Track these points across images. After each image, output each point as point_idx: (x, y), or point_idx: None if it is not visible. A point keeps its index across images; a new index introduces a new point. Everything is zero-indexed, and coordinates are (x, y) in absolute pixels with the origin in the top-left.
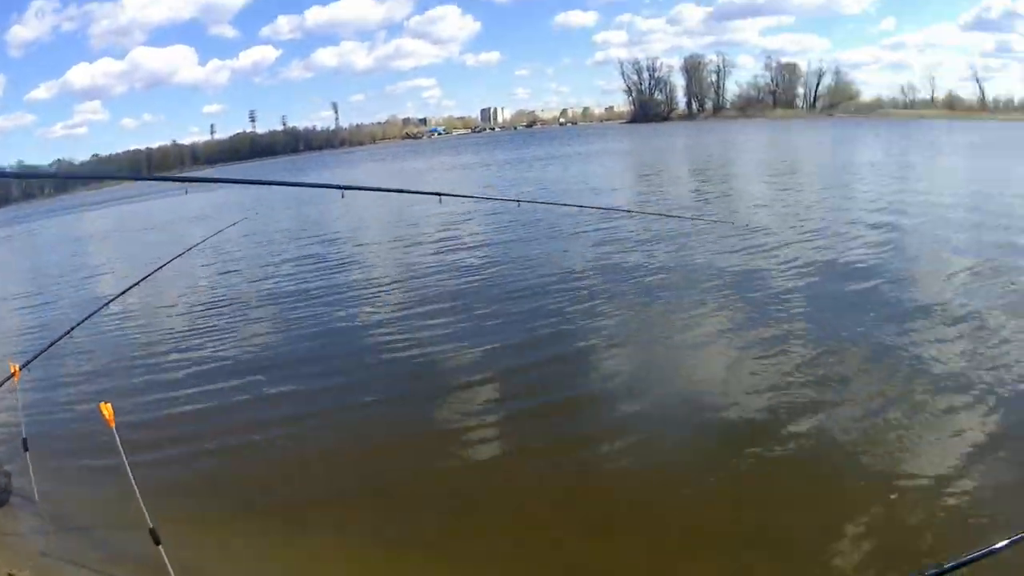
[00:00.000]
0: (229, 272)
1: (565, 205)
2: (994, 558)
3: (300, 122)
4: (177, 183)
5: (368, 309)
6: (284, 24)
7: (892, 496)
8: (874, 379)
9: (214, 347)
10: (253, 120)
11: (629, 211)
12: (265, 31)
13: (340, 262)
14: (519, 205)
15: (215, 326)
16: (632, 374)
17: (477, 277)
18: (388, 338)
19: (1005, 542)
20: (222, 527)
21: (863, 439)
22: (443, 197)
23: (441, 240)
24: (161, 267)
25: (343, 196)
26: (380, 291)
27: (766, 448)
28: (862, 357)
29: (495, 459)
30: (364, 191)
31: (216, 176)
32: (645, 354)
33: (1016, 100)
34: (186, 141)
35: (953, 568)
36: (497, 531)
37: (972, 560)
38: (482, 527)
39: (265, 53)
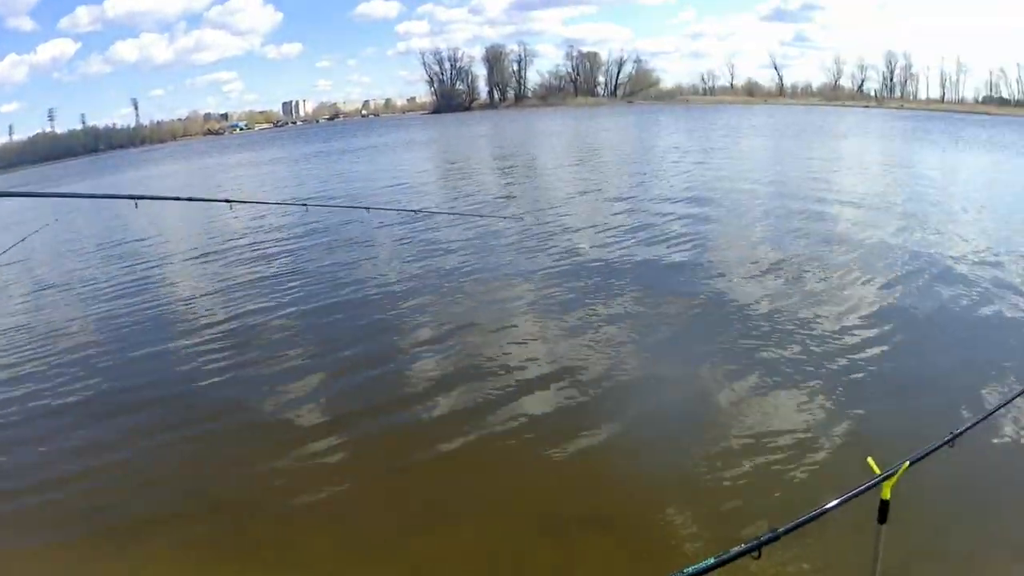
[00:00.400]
0: (36, 285)
1: (355, 208)
2: (826, 518)
3: (100, 120)
4: None
5: (178, 324)
6: (84, 15)
7: (721, 465)
8: (690, 355)
9: (21, 368)
10: (52, 119)
11: (426, 211)
12: (64, 23)
13: (146, 271)
14: (307, 209)
15: (23, 344)
16: (452, 368)
17: (282, 287)
18: (204, 349)
19: (835, 502)
20: (52, 554)
21: (685, 413)
22: (233, 203)
23: (238, 246)
24: None
25: (136, 206)
26: (188, 299)
27: (583, 426)
28: (675, 332)
29: (324, 463)
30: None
31: (11, 189)
32: (467, 349)
33: (814, 86)
34: None
35: (788, 531)
36: (333, 531)
37: (805, 522)
38: (318, 529)
39: (64, 47)
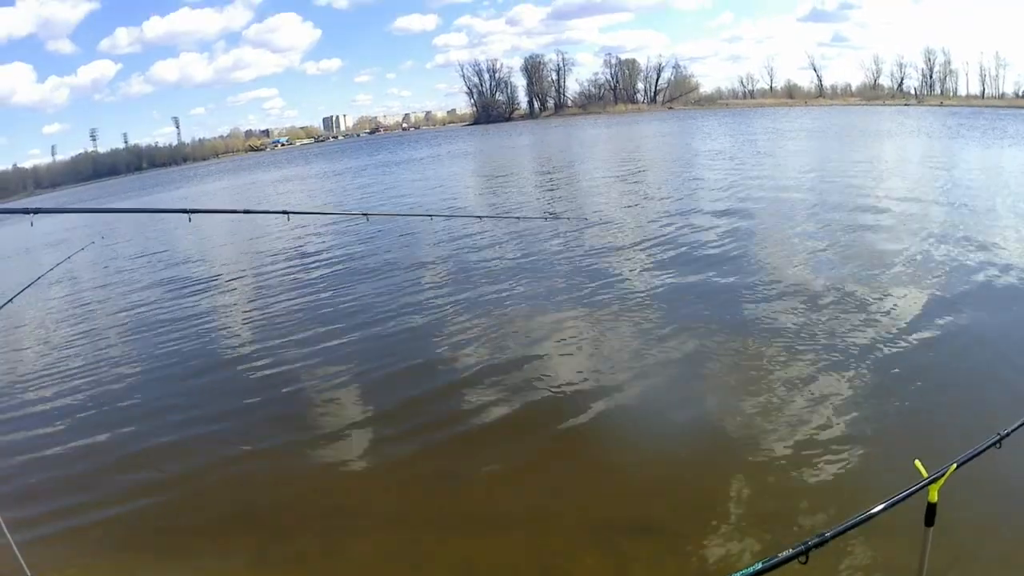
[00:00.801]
0: (82, 305)
1: (412, 216)
2: (873, 521)
3: (142, 139)
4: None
5: (227, 335)
6: (123, 37)
7: (766, 471)
8: (734, 358)
9: (73, 386)
10: (94, 139)
11: (480, 216)
12: (104, 45)
13: (195, 287)
14: (367, 219)
15: (72, 364)
16: (498, 379)
17: (335, 294)
18: (253, 365)
19: (881, 506)
20: (102, 570)
21: (729, 418)
22: (291, 215)
23: (295, 259)
24: (11, 300)
25: (190, 220)
26: (238, 316)
27: (630, 434)
28: (720, 339)
29: (370, 473)
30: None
31: (63, 206)
32: (513, 354)
33: (853, 86)
34: (27, 164)
35: (835, 535)
36: (379, 541)
37: (853, 526)
38: (364, 538)
39: (104, 68)
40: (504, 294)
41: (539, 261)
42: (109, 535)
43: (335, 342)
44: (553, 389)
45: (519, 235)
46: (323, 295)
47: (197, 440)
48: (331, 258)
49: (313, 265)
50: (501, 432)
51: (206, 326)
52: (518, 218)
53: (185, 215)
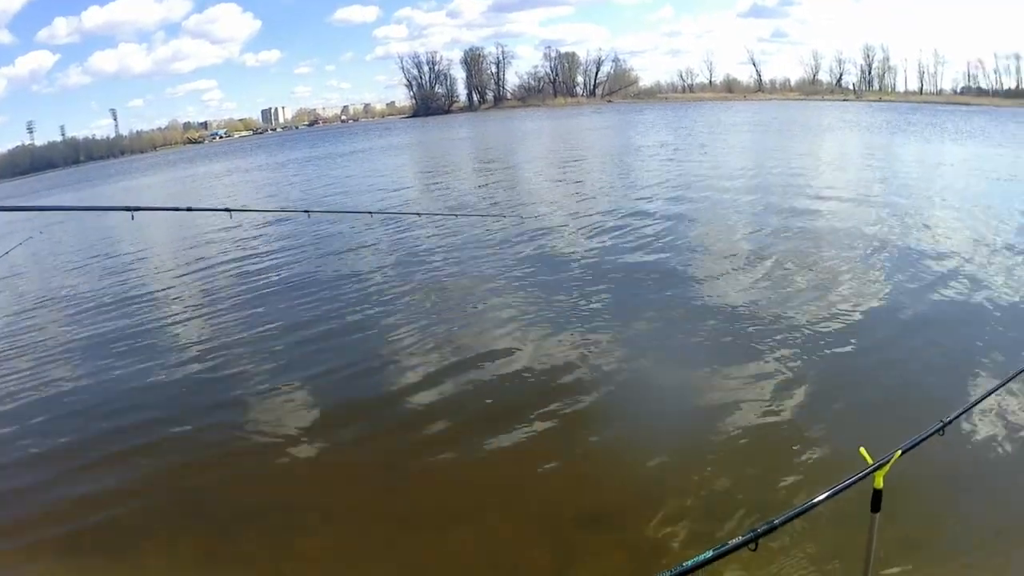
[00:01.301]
0: (19, 304)
1: (353, 212)
2: (821, 508)
3: (80, 131)
4: None
5: (169, 336)
6: (62, 26)
7: (715, 461)
8: (681, 352)
9: (8, 392)
10: (31, 131)
11: (418, 214)
12: (42, 35)
13: (137, 287)
14: (309, 216)
15: (5, 367)
16: (444, 372)
17: (279, 294)
18: (195, 366)
19: (828, 493)
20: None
21: (677, 409)
22: (233, 212)
23: (238, 257)
24: None
25: (133, 218)
26: (180, 316)
27: (578, 427)
28: (665, 333)
29: (317, 470)
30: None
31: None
32: (458, 351)
33: (792, 81)
34: None
35: (783, 522)
36: (327, 538)
37: (800, 512)
38: (312, 536)
39: (42, 59)
40: (449, 290)
41: (483, 257)
42: (54, 542)
43: (280, 342)
44: (500, 384)
45: (461, 231)
46: (267, 295)
47: (141, 442)
48: (274, 256)
49: (256, 263)
50: (448, 428)
51: (147, 327)
52: (456, 215)
53: (128, 212)
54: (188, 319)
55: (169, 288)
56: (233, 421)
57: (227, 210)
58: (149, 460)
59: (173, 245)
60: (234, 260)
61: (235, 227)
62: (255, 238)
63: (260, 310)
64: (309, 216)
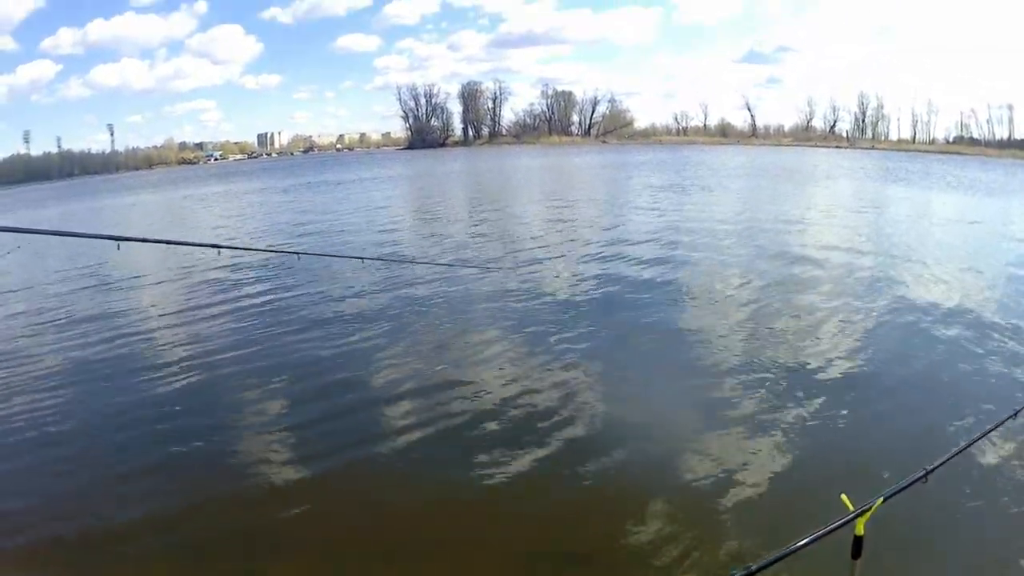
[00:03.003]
0: None
1: (344, 257)
2: (801, 554)
3: (76, 144)
4: None
5: (140, 362)
6: (66, 37)
7: (695, 504)
8: (664, 391)
9: None
10: (27, 141)
11: (413, 260)
12: (46, 44)
13: (115, 313)
14: (299, 258)
15: None
16: (427, 409)
17: (260, 328)
18: (172, 401)
19: (808, 539)
20: None
21: (657, 448)
22: (221, 249)
23: (222, 290)
24: None
25: (119, 247)
26: (155, 344)
27: (557, 463)
28: (649, 373)
29: (295, 498)
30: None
31: None
32: (436, 387)
33: (786, 127)
34: None
35: (762, 568)
36: (302, 566)
37: (779, 559)
38: (287, 563)
39: (44, 69)
40: (433, 331)
41: (472, 304)
42: (18, 561)
43: (257, 373)
44: (479, 420)
45: (451, 277)
46: (246, 328)
47: (115, 467)
48: (258, 295)
49: (241, 296)
50: (426, 460)
51: (119, 351)
52: (451, 264)
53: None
54: (165, 347)
55: (147, 314)
56: (209, 448)
57: (215, 246)
58: (124, 485)
59: (157, 272)
60: (218, 291)
61: (224, 262)
62: (242, 271)
63: (238, 341)
64: (299, 259)
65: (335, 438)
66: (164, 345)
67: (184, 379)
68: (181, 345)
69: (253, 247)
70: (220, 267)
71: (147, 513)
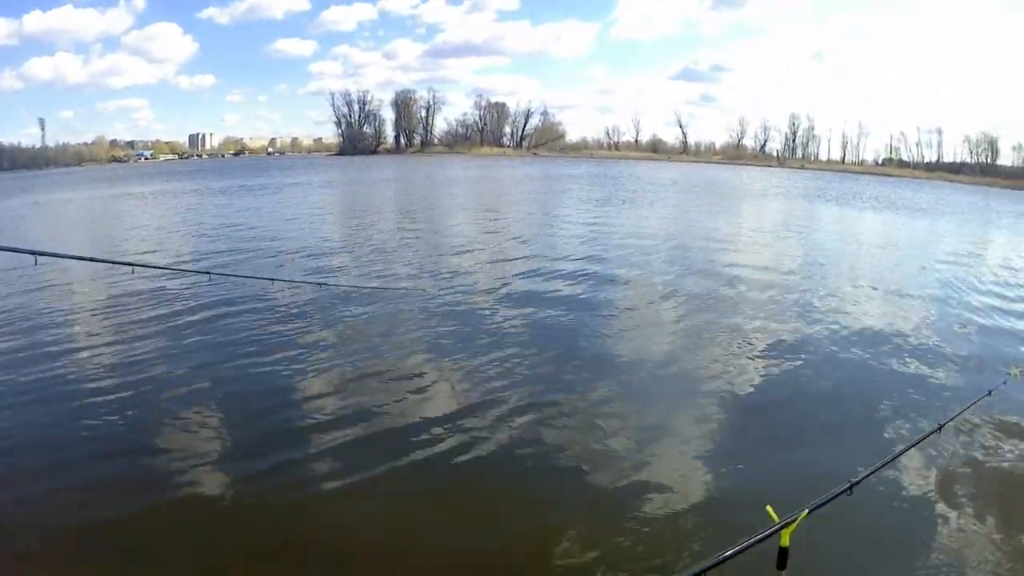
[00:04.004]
0: None
1: (257, 278)
2: (726, 565)
3: (6, 137)
4: None
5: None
6: (2, 28)
7: (620, 514)
8: (592, 405)
9: None
10: None
11: (333, 285)
12: None
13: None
14: (210, 278)
15: None
16: (354, 418)
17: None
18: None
19: (733, 550)
20: None
21: (585, 460)
22: (135, 267)
23: (141, 308)
24: None
25: (36, 262)
26: (79, 360)
27: (486, 475)
28: (579, 387)
29: (221, 508)
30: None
31: None
32: (365, 400)
33: (717, 145)
34: None
35: None
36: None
37: (705, 570)
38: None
39: None
40: (355, 351)
41: (399, 326)
42: None
43: (184, 385)
44: (409, 432)
45: (375, 298)
46: (173, 345)
47: (38, 481)
48: (179, 309)
49: (161, 316)
50: (354, 473)
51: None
52: (375, 288)
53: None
54: (87, 362)
55: (68, 330)
56: (142, 460)
57: (130, 264)
58: (48, 496)
59: (76, 288)
60: (138, 309)
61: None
62: (160, 285)
63: (160, 359)
64: (210, 279)
65: (258, 447)
66: (80, 357)
67: (105, 386)
68: (100, 356)
69: (166, 266)
70: (140, 279)
71: (72, 519)
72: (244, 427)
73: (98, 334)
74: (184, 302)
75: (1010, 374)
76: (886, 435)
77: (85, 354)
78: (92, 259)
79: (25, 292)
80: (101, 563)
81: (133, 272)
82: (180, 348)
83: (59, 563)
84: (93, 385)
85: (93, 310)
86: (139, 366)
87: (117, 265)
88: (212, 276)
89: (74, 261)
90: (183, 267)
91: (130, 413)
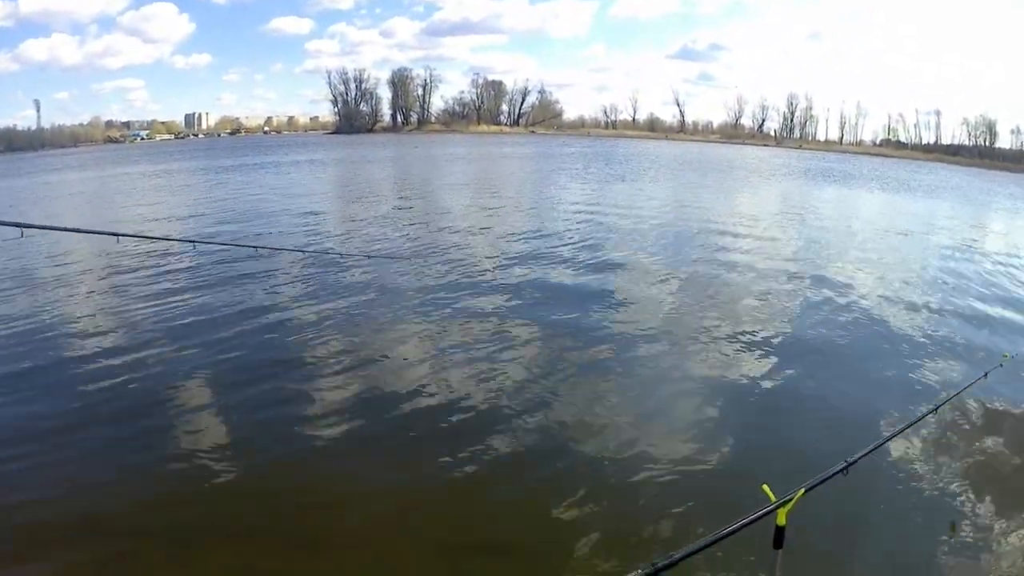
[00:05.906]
0: None
1: (242, 246)
2: (724, 543)
3: (1, 119)
4: None
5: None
6: None
7: (618, 493)
8: (591, 385)
9: None
10: None
11: (330, 252)
12: None
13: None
14: (195, 247)
15: None
16: (344, 399)
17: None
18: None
19: (730, 528)
20: None
21: (583, 440)
22: (120, 237)
23: (137, 283)
24: None
25: (22, 235)
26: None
27: (482, 455)
28: (576, 367)
29: (216, 489)
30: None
31: None
32: (359, 376)
33: (715, 124)
34: None
35: (685, 556)
36: (224, 557)
37: (702, 547)
38: (211, 552)
39: None
40: (361, 325)
41: (394, 297)
42: None
43: (182, 364)
44: (402, 410)
45: (372, 269)
46: (169, 321)
47: (33, 459)
48: (157, 282)
49: (152, 290)
50: (350, 451)
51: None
52: (370, 256)
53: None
54: (80, 340)
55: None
56: (134, 435)
57: (114, 234)
58: (43, 475)
59: (68, 261)
60: (133, 283)
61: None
62: (154, 263)
63: (158, 334)
64: (195, 247)
65: (251, 425)
66: (73, 333)
67: (100, 367)
68: (95, 334)
69: (151, 236)
70: (147, 254)
71: (68, 502)
72: (238, 407)
73: (82, 303)
74: (169, 272)
75: (1004, 357)
76: (882, 416)
77: (69, 326)
78: (76, 230)
79: (9, 263)
80: (89, 547)
81: (119, 242)
82: (165, 317)
83: (44, 542)
84: (74, 354)
85: (77, 282)
86: (125, 335)
87: (103, 235)
88: (196, 245)
89: (61, 233)
90: (170, 237)
91: (116, 384)
